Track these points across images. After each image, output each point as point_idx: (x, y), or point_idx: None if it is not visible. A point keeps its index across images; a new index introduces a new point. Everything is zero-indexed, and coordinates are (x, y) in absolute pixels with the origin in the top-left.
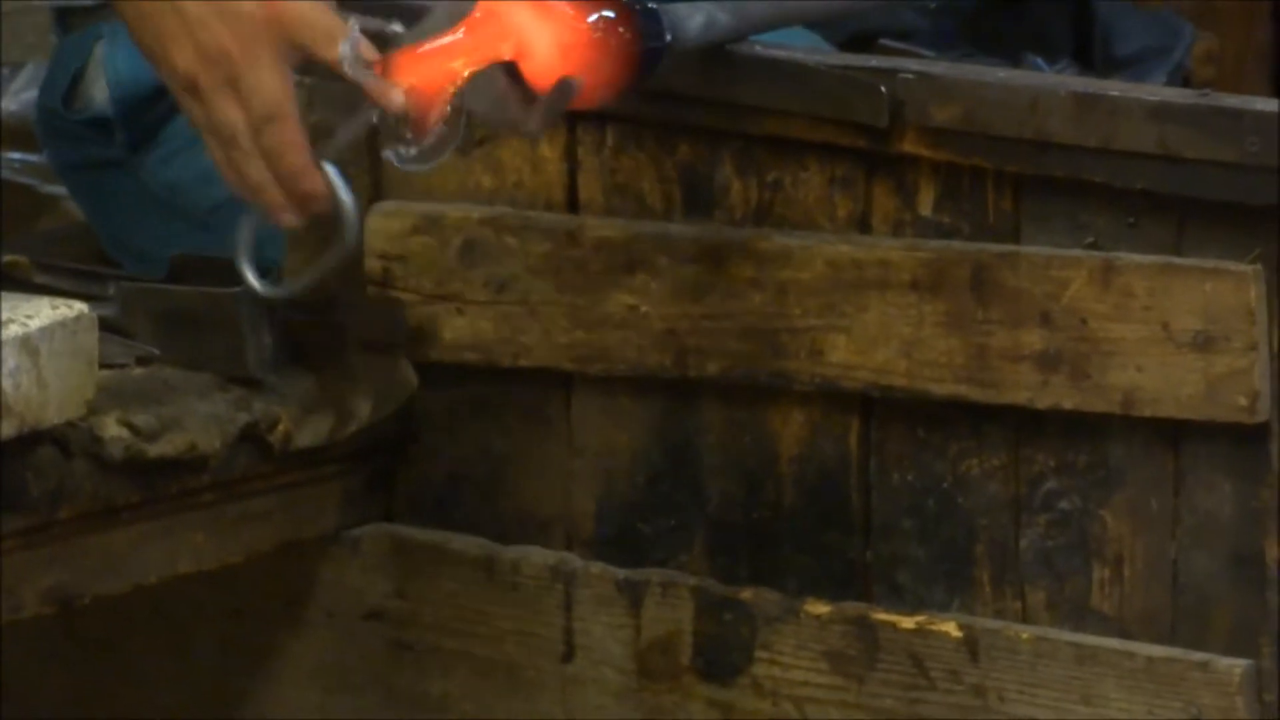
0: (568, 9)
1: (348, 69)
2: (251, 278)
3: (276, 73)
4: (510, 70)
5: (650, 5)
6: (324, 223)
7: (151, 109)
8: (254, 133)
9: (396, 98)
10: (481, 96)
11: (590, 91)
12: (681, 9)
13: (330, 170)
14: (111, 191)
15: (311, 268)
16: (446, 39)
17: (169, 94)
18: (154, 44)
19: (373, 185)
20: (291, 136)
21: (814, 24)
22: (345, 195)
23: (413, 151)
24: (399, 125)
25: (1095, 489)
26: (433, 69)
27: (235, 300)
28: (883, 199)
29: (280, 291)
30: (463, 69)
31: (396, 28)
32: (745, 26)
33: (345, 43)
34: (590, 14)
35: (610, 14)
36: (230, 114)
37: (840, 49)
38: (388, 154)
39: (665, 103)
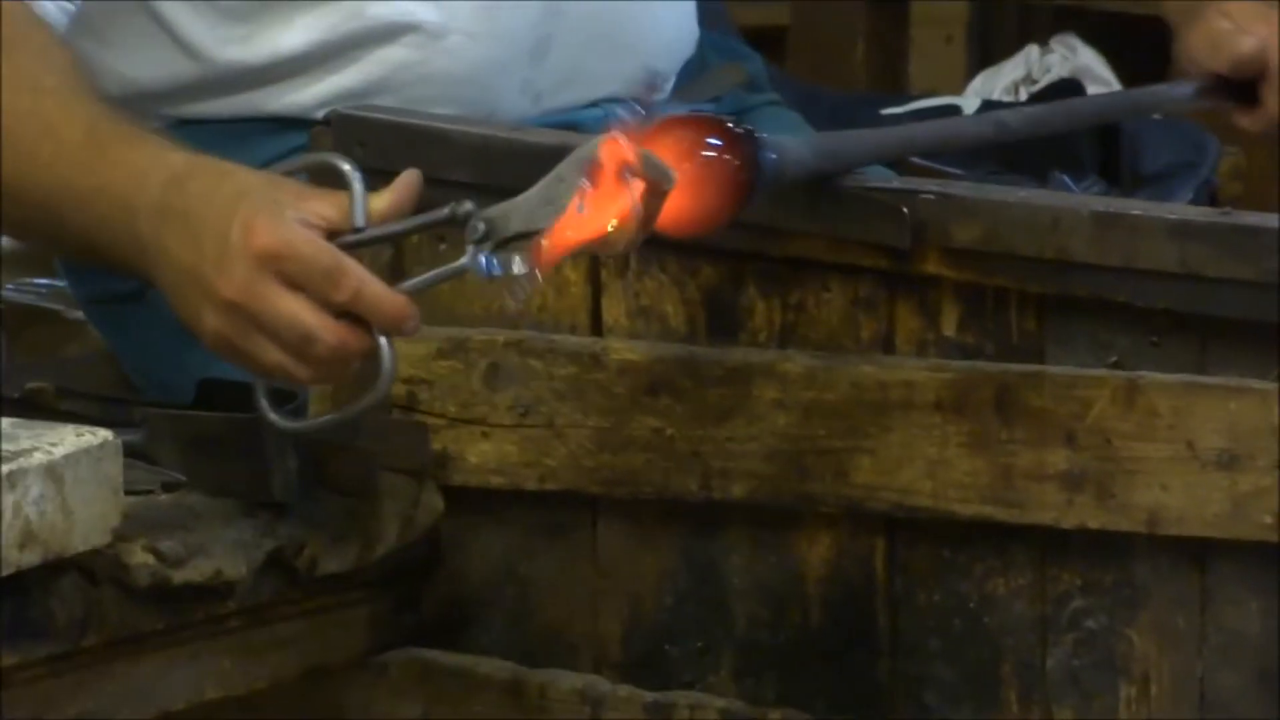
0: (683, 136)
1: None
2: (269, 411)
3: (292, 300)
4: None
5: (758, 134)
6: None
7: None
8: (298, 357)
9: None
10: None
11: (696, 220)
12: (786, 142)
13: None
14: (132, 324)
15: (341, 410)
16: (573, 209)
17: None
18: (185, 316)
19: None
20: (335, 347)
21: None
22: (388, 358)
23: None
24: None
25: (1121, 608)
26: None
27: (260, 426)
28: (906, 319)
29: (302, 427)
30: (597, 231)
31: (467, 206)
32: (832, 165)
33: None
34: (703, 144)
35: (722, 142)
36: (269, 355)
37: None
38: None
39: None
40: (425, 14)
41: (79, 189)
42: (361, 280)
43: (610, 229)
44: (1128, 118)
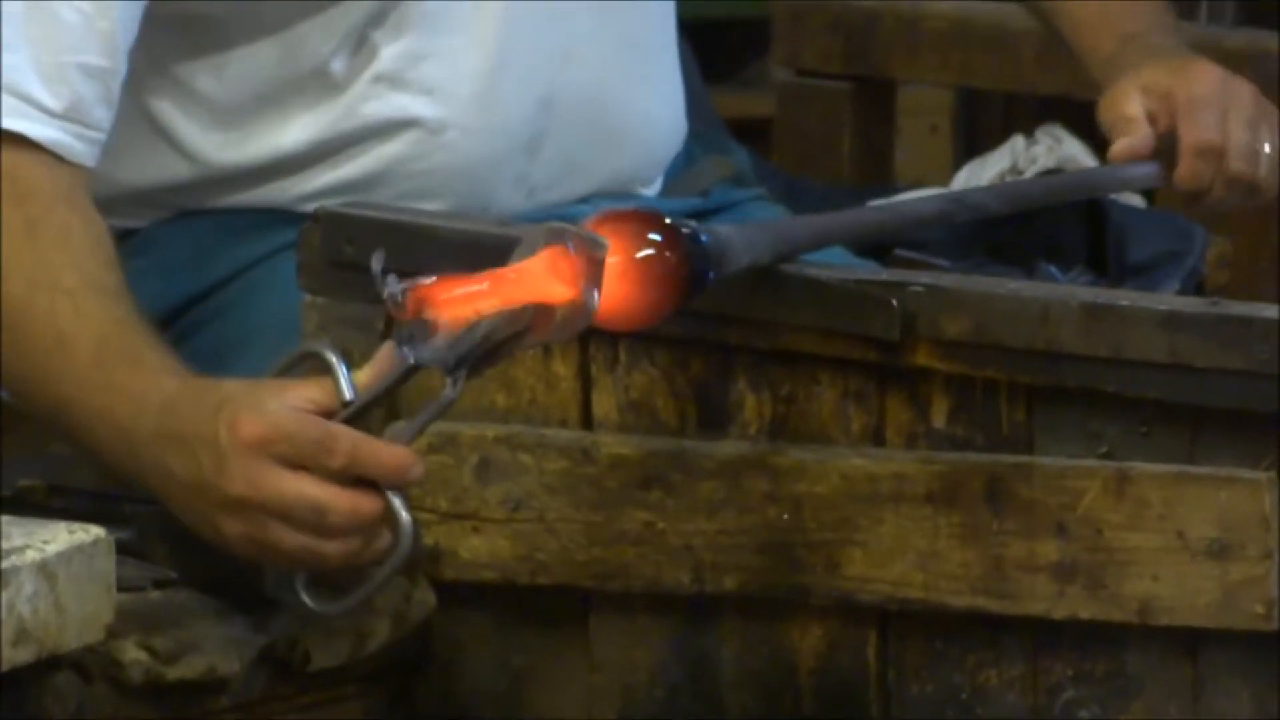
0: (618, 234)
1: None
2: (307, 598)
3: (294, 480)
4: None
5: (697, 229)
6: None
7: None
8: (317, 534)
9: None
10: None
11: (638, 314)
12: (727, 231)
13: (391, 496)
14: None
15: (367, 583)
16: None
17: (180, 318)
18: (204, 532)
19: (388, 404)
20: (349, 513)
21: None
22: (404, 513)
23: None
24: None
25: (1114, 698)
26: (466, 305)
27: None
28: (896, 411)
29: (340, 608)
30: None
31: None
32: (787, 249)
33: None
34: (639, 241)
35: (658, 238)
36: (290, 540)
37: (856, 257)
38: None
39: (677, 319)
40: (423, 110)
41: (85, 409)
42: (355, 441)
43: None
44: (1087, 196)
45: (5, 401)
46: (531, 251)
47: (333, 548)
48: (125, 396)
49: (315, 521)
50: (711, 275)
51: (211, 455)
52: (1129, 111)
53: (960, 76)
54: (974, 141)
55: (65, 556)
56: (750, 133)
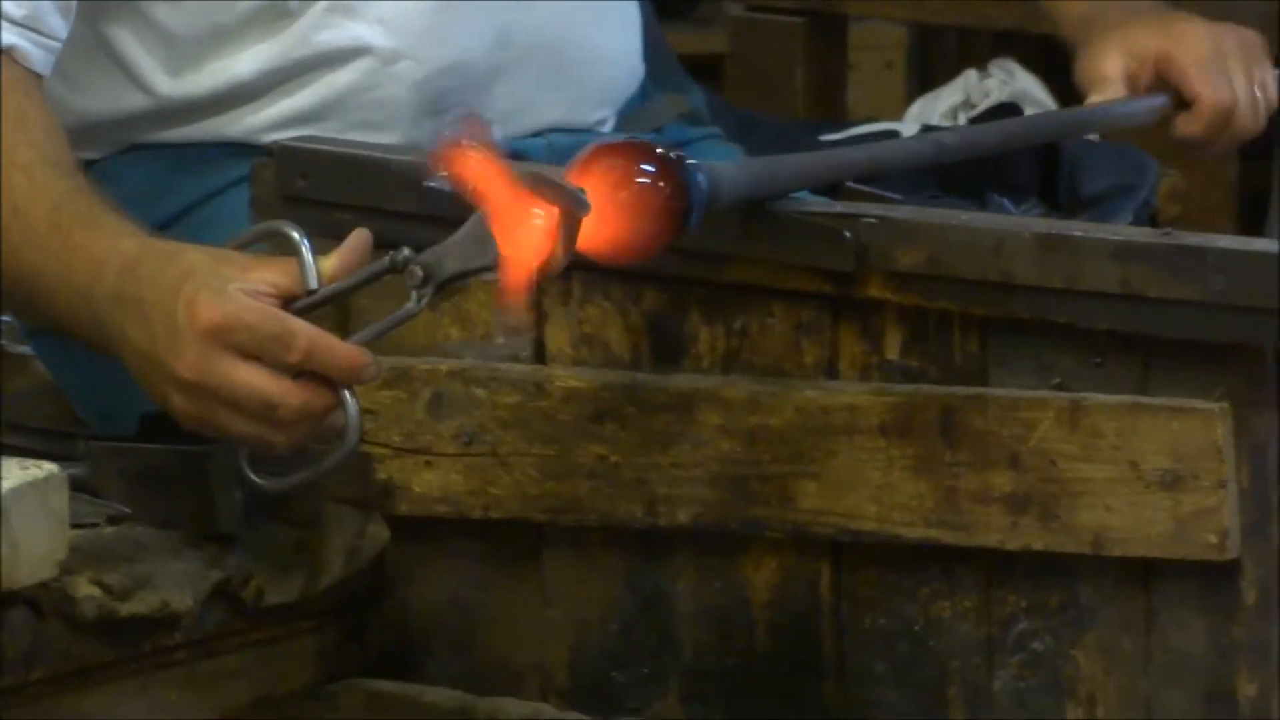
0: (614, 164)
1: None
2: (250, 473)
3: (247, 371)
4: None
5: (690, 161)
6: None
7: None
8: (266, 423)
9: None
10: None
11: (632, 247)
12: (719, 166)
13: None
14: (77, 356)
15: (314, 464)
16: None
17: None
18: (153, 398)
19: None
20: (299, 408)
21: None
22: (353, 408)
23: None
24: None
25: (1067, 629)
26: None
27: (205, 457)
28: (849, 344)
29: (282, 486)
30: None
31: (405, 253)
32: (776, 187)
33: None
34: (634, 171)
35: (652, 169)
36: (239, 426)
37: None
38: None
39: None
40: (375, 39)
41: (45, 275)
42: (312, 338)
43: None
44: (1089, 132)
45: None
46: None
47: (279, 437)
48: (84, 257)
49: (264, 413)
50: (699, 212)
51: (167, 331)
52: (1107, 70)
53: (913, 11)
54: (927, 77)
55: (18, 493)
56: (704, 69)
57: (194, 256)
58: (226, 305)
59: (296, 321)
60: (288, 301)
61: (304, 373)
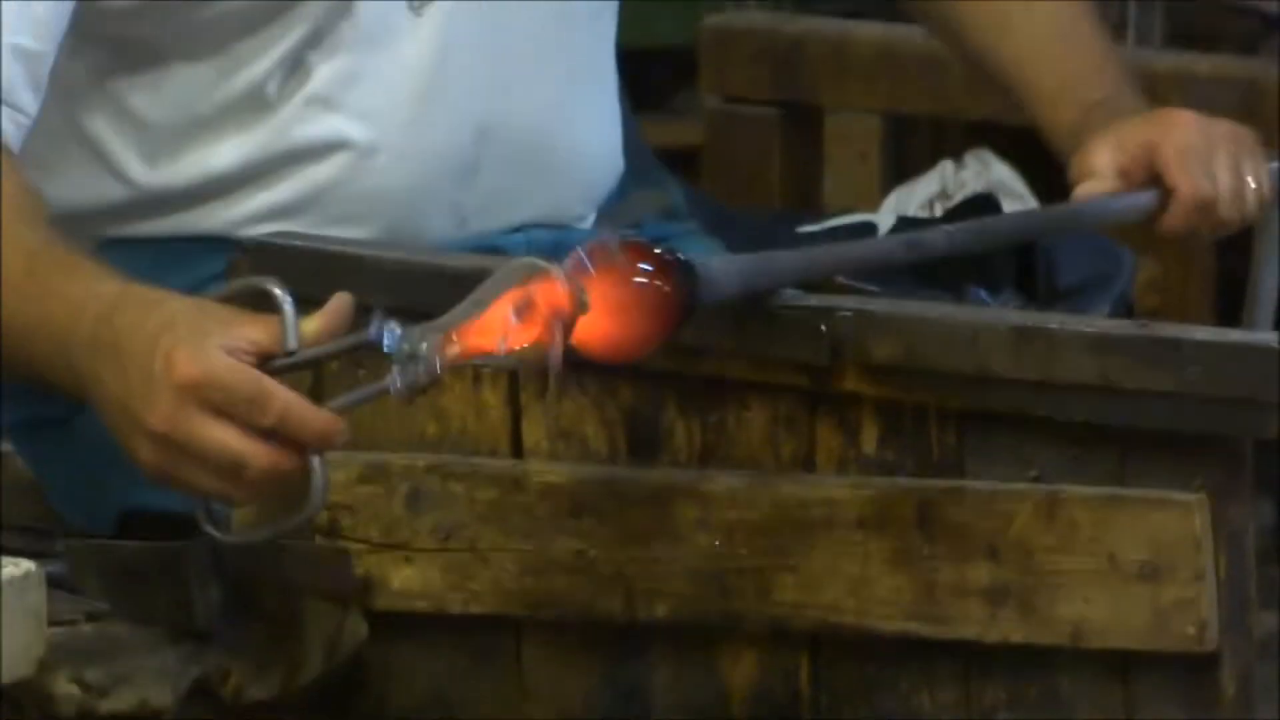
0: (616, 263)
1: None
2: (208, 525)
3: (218, 429)
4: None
5: (687, 258)
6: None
7: None
8: (232, 481)
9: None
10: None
11: (629, 346)
12: (714, 263)
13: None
14: (56, 451)
15: (269, 524)
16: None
17: None
18: (123, 446)
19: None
20: (266, 469)
21: None
22: (319, 472)
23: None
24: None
25: None
26: (479, 342)
27: (183, 554)
28: (826, 437)
29: (239, 539)
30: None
31: (392, 326)
32: (771, 282)
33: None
34: (634, 271)
35: (650, 268)
36: (203, 481)
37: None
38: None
39: None
40: (354, 132)
41: (22, 321)
42: (287, 403)
43: (520, 349)
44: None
45: None
46: (508, 285)
47: (242, 494)
48: (62, 301)
49: (231, 471)
50: (699, 305)
51: (142, 381)
52: (1097, 164)
53: (888, 102)
54: (902, 168)
55: None
56: (681, 160)
57: (175, 307)
58: (205, 362)
59: (273, 385)
60: (266, 359)
61: (274, 434)
